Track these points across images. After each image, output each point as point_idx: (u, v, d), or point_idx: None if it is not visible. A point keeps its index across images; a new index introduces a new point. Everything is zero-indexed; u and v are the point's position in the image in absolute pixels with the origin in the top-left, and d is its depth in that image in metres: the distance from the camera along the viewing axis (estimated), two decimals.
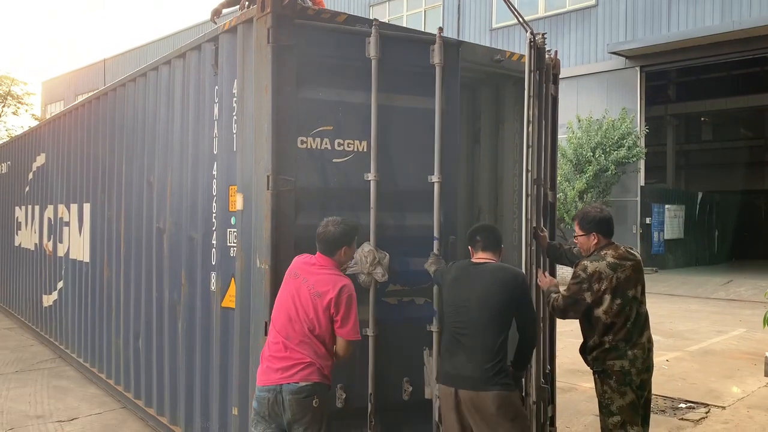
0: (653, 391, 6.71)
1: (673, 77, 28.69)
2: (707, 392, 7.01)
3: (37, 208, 9.65)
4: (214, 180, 4.70)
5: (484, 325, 3.53)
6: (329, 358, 3.49)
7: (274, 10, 3.94)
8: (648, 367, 3.98)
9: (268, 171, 3.95)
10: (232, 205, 4.46)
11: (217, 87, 4.66)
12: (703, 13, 18.64)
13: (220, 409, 4.55)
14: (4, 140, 25.84)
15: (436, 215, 4.32)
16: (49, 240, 8.94)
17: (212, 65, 4.70)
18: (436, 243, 4.30)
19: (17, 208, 10.97)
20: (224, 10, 5.49)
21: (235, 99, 4.42)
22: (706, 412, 6.29)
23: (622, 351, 3.86)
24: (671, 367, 8.19)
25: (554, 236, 5.44)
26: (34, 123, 29.21)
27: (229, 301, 4.46)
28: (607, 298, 3.85)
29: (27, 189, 10.29)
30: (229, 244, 4.50)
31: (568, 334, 6.06)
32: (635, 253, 4.06)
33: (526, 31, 5.55)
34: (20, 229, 10.72)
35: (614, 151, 18.35)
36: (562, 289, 4.13)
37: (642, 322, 3.96)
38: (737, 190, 31.65)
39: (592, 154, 18.24)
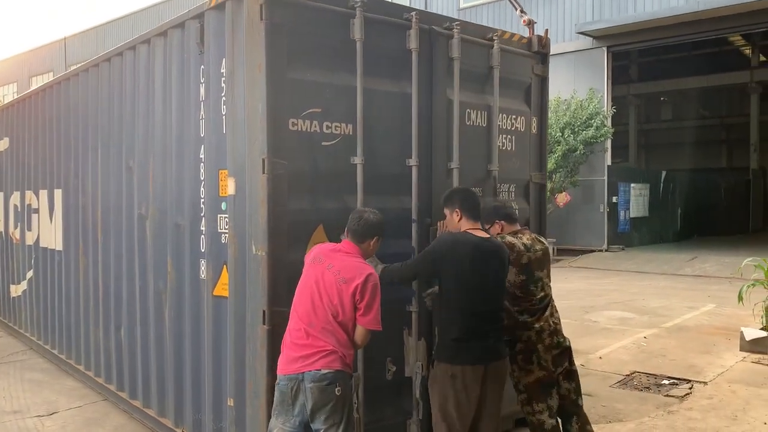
0: (638, 369, 6.99)
1: (635, 57, 29.11)
2: (688, 368, 7.14)
3: (1, 194, 9.26)
4: (202, 164, 4.52)
5: (501, 302, 3.83)
6: (351, 347, 3.43)
7: None
8: (558, 344, 4.15)
9: (264, 154, 3.80)
10: (222, 190, 4.30)
11: (203, 66, 4.46)
12: None
13: (213, 400, 4.42)
14: None
15: (414, 198, 4.31)
16: (15, 228, 8.60)
17: (197, 44, 4.49)
18: (414, 225, 4.32)
19: None
20: None
21: (223, 79, 4.24)
22: (690, 388, 6.40)
23: (528, 324, 4.07)
24: (649, 344, 8.33)
25: (544, 218, 5.44)
26: None
27: (222, 289, 4.32)
28: (513, 270, 4.04)
29: None
30: (219, 231, 4.35)
31: None
32: (544, 241, 4.34)
33: (515, 10, 5.49)
34: None
35: (582, 131, 18.52)
36: None
37: (547, 302, 4.19)
38: (696, 168, 32.44)
39: (560, 134, 18.38)
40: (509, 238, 4.09)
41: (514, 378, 4.11)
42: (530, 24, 5.41)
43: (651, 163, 35.32)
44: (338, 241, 3.85)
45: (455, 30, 4.49)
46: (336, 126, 4.08)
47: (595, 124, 18.58)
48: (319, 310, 3.37)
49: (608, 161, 20.59)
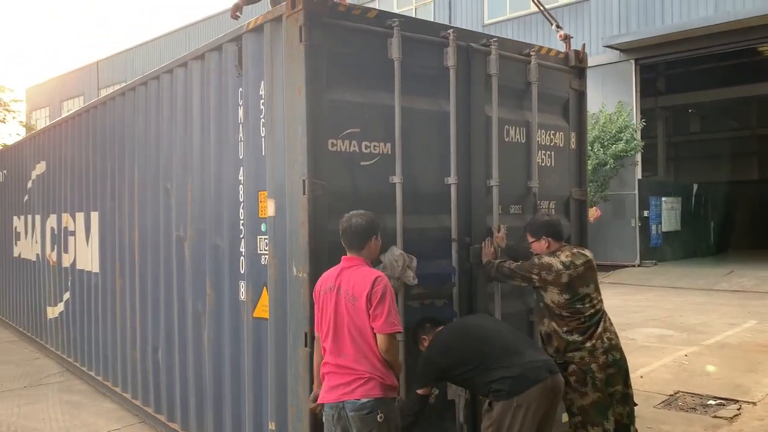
0: (681, 389, 6.79)
1: (662, 69, 28.78)
2: (734, 387, 6.92)
3: (38, 217, 9.40)
4: (241, 185, 4.52)
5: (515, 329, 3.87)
6: (388, 367, 3.33)
7: (306, 7, 3.78)
8: (615, 362, 3.99)
9: (304, 175, 3.78)
10: (262, 212, 4.29)
11: (241, 89, 4.48)
12: (697, 4, 18.64)
13: (254, 423, 4.38)
14: None
15: (454, 217, 4.25)
16: (52, 250, 8.71)
17: (235, 66, 4.51)
18: (454, 245, 4.26)
19: (15, 217, 10.70)
20: (245, 7, 5.31)
21: (262, 101, 4.24)
22: (738, 409, 6.19)
23: (578, 343, 3.95)
24: (691, 363, 8.11)
25: (585, 235, 5.33)
26: (22, 130, 28.79)
27: (262, 311, 4.29)
28: (554, 290, 3.98)
29: (26, 198, 10.04)
30: (259, 252, 4.33)
31: None
32: (587, 253, 4.21)
33: (551, 25, 5.45)
34: (20, 240, 10.46)
35: (612, 144, 18.31)
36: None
37: (599, 318, 4.03)
38: (727, 180, 31.82)
39: (590, 148, 18.18)
40: (546, 259, 4.03)
41: (567, 400, 3.98)
42: (566, 39, 5.36)
43: (680, 176, 34.74)
44: (377, 259, 3.81)
45: (493, 46, 4.45)
46: (375, 145, 4.05)
47: (624, 138, 18.36)
48: (344, 340, 3.30)
49: (639, 175, 20.29)
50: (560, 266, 4.00)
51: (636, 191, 20.02)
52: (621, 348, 4.05)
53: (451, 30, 4.30)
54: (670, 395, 6.67)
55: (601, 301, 4.13)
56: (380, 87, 4.06)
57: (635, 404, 4.16)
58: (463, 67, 4.36)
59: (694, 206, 24.14)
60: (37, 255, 9.44)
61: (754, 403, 6.35)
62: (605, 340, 3.98)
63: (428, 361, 3.68)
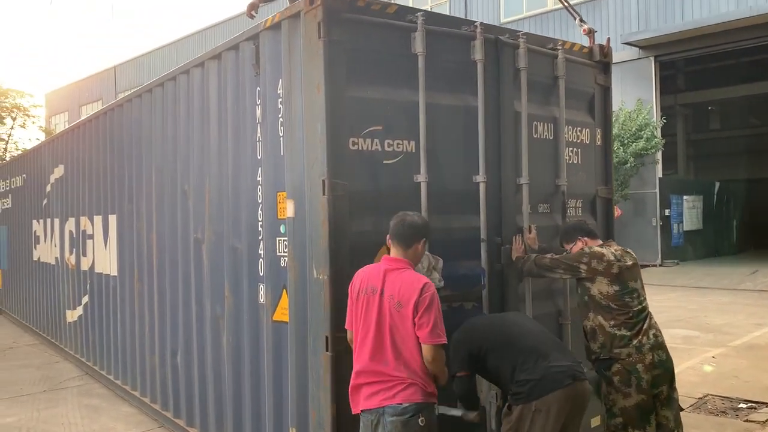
0: (710, 392, 6.60)
1: (681, 66, 28.38)
2: (765, 390, 6.72)
3: (56, 221, 9.41)
4: (260, 186, 4.43)
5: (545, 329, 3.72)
6: (428, 373, 3.23)
7: (325, 3, 3.68)
8: (662, 363, 3.81)
9: (324, 175, 3.68)
10: (281, 213, 4.20)
11: (259, 88, 4.40)
12: None
13: (274, 428, 4.29)
14: (15, 153, 25.74)
15: (483, 216, 4.12)
16: (71, 253, 8.70)
17: (253, 65, 4.43)
18: (483, 245, 4.12)
19: (35, 221, 10.73)
20: (261, 5, 5.22)
21: (280, 100, 4.15)
22: None
23: (626, 339, 3.78)
24: (719, 365, 7.91)
25: (612, 233, 5.18)
26: (41, 135, 29.06)
27: (282, 314, 4.20)
28: (604, 280, 3.85)
29: (45, 202, 10.05)
30: (278, 254, 4.24)
31: None
32: (633, 254, 4.09)
33: (575, 19, 5.31)
34: (39, 243, 10.48)
35: (632, 143, 18.08)
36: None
37: (646, 315, 3.88)
38: (748, 178, 31.32)
39: None
40: (596, 248, 3.92)
41: (609, 401, 3.84)
42: (590, 33, 5.22)
43: (700, 173, 34.24)
44: None
45: (521, 40, 4.33)
46: (398, 143, 3.94)
47: (645, 136, 18.11)
48: (386, 347, 3.19)
49: (659, 173, 20.02)
50: (612, 257, 3.89)
51: (657, 190, 19.76)
52: (667, 348, 3.89)
53: (478, 23, 4.18)
54: (699, 398, 6.49)
55: (646, 299, 3.99)
56: (403, 83, 3.94)
57: (681, 408, 3.98)
58: (491, 61, 4.23)
59: (715, 204, 23.80)
60: (56, 258, 9.44)
61: None
62: (651, 336, 3.82)
63: (458, 341, 3.55)
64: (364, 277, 3.37)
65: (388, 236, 3.45)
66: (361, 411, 3.28)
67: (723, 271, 18.30)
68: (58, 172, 9.26)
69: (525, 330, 3.59)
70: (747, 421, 5.82)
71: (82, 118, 8.44)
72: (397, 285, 3.22)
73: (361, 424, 3.30)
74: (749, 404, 6.28)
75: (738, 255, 23.59)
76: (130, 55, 39.09)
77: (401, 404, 3.13)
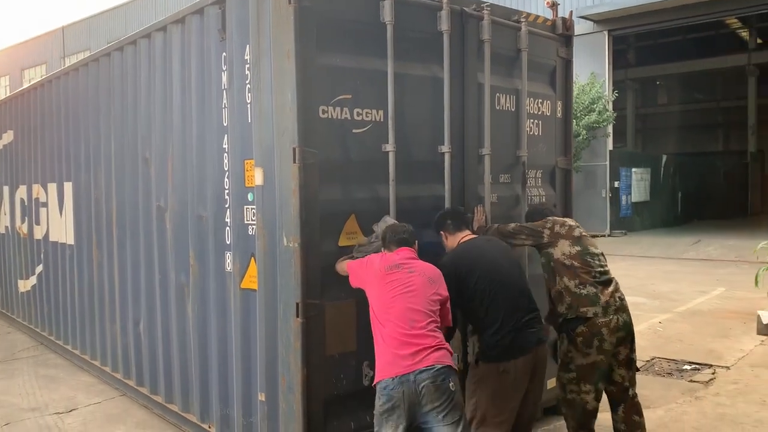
0: (657, 355, 6.93)
1: (632, 41, 28.97)
2: (707, 353, 7.10)
3: (6, 188, 9.12)
4: (226, 154, 4.41)
5: (529, 289, 3.80)
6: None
7: None
8: (625, 325, 3.92)
9: (294, 143, 3.68)
10: (248, 181, 4.19)
11: (224, 53, 4.34)
12: None
13: (242, 394, 4.33)
14: None
15: (447, 186, 4.23)
16: (23, 222, 8.47)
17: (218, 30, 4.36)
18: None
19: None
20: None
21: (248, 66, 4.11)
22: (713, 373, 6.35)
23: (591, 297, 3.85)
24: (665, 329, 8.29)
25: (570, 203, 5.35)
26: None
27: (250, 281, 4.22)
28: (566, 242, 3.99)
29: None
30: (246, 222, 4.24)
31: None
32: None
33: None
34: None
35: (585, 116, 18.44)
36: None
37: (608, 278, 3.99)
38: (693, 152, 32.42)
39: None
40: (559, 217, 4.14)
41: (567, 357, 3.92)
42: (554, 6, 5.30)
43: (648, 147, 35.29)
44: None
45: (485, 11, 4.38)
46: (367, 112, 3.97)
47: (597, 109, 18.50)
48: (418, 313, 3.28)
49: (610, 146, 20.54)
50: (573, 223, 4.15)
51: (607, 162, 20.30)
52: (629, 311, 3.98)
53: None
54: (647, 361, 6.81)
55: (608, 267, 4.08)
56: (372, 52, 3.96)
57: (637, 369, 4.16)
58: (457, 33, 4.29)
59: (662, 177, 24.57)
60: (6, 227, 9.18)
61: (728, 368, 6.52)
62: (617, 299, 3.91)
63: (444, 264, 3.70)
64: (382, 259, 3.57)
65: (391, 242, 3.64)
66: (382, 381, 3.22)
67: (669, 241, 19.00)
68: (7, 137, 8.95)
69: (505, 274, 3.69)
70: (691, 381, 6.15)
71: (25, 82, 8.14)
72: (423, 266, 3.51)
73: (383, 397, 3.19)
74: (693, 366, 6.63)
75: (683, 226, 24.48)
76: (80, 15, 37.40)
77: (434, 366, 3.16)
